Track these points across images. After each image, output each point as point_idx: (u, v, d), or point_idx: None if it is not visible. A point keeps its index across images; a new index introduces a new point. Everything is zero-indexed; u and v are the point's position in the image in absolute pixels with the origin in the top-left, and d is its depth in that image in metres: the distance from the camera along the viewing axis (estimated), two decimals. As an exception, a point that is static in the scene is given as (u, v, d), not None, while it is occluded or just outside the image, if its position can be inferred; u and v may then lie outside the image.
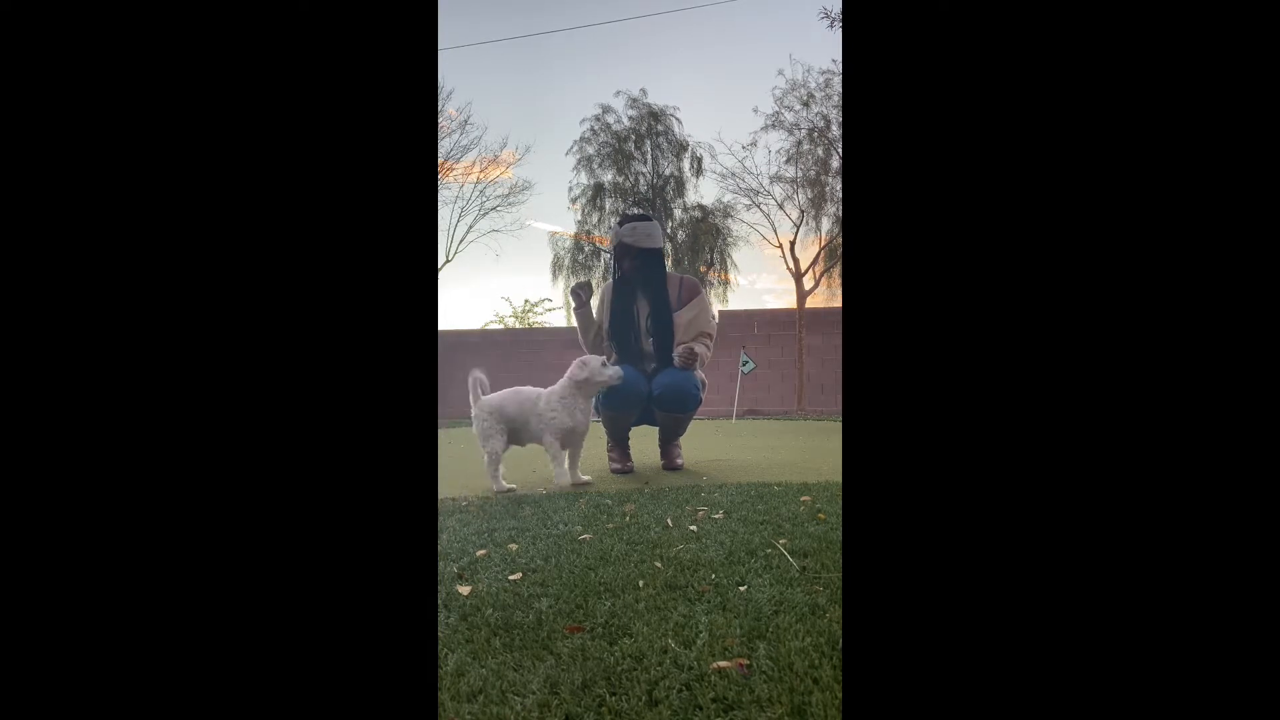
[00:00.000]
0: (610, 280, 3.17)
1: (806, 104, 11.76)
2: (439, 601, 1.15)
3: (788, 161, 12.16)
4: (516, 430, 2.66)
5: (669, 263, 14.20)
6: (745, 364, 8.64)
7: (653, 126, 14.40)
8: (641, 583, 1.21)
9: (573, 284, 3.17)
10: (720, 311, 12.58)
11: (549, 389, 2.66)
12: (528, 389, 2.70)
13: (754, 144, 15.66)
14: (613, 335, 3.03)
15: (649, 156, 14.47)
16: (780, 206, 12.22)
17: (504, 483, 2.53)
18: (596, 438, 3.18)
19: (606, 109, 14.42)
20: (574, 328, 3.30)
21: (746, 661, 0.86)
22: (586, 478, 2.66)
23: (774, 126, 11.95)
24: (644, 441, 3.56)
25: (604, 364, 2.61)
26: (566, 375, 2.63)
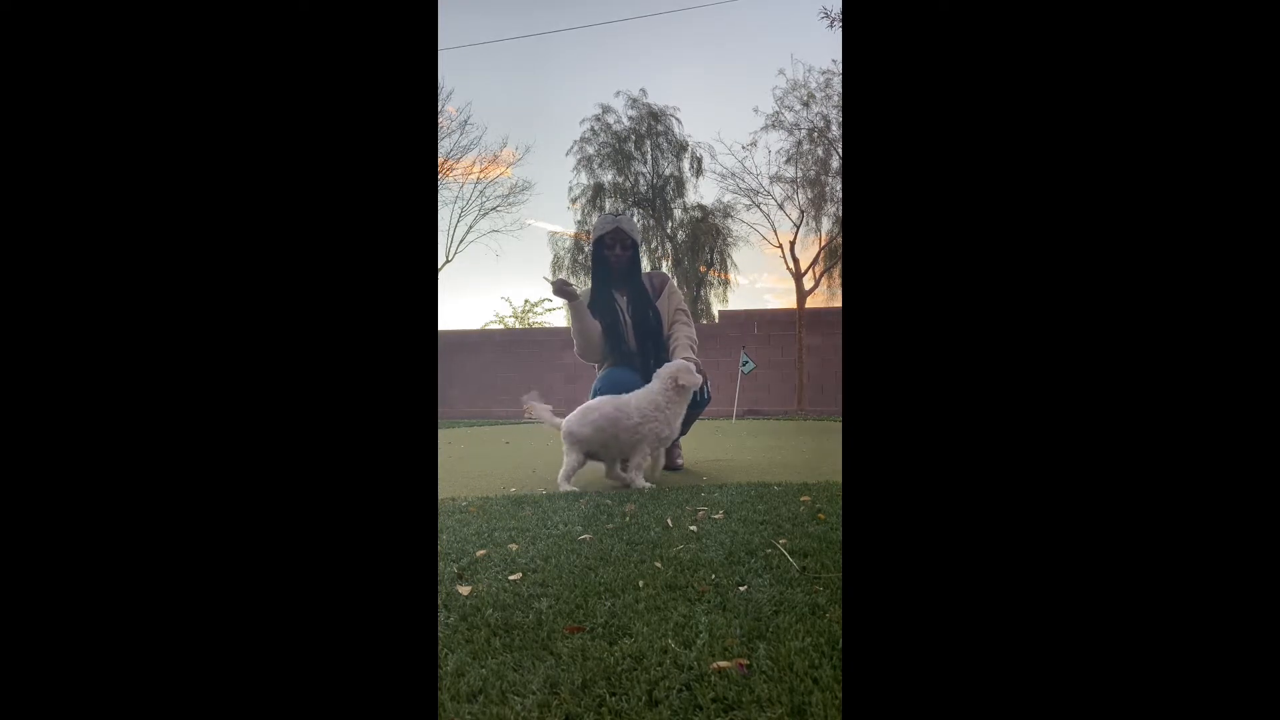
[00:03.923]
0: (590, 285, 3.06)
1: (806, 104, 11.78)
2: (439, 601, 1.15)
3: (788, 161, 12.18)
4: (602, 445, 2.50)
5: (669, 263, 14.23)
6: (745, 364, 8.64)
7: (653, 126, 14.41)
8: (641, 583, 1.21)
9: (554, 281, 2.75)
10: (720, 311, 12.60)
11: (638, 399, 2.48)
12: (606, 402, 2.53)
13: (754, 144, 15.73)
14: (607, 336, 2.98)
15: (649, 156, 14.48)
16: (780, 206, 12.23)
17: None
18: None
19: (606, 109, 14.44)
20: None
21: (746, 661, 0.86)
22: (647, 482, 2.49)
23: (774, 126, 11.97)
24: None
25: (694, 369, 2.47)
26: (661, 385, 2.47)
